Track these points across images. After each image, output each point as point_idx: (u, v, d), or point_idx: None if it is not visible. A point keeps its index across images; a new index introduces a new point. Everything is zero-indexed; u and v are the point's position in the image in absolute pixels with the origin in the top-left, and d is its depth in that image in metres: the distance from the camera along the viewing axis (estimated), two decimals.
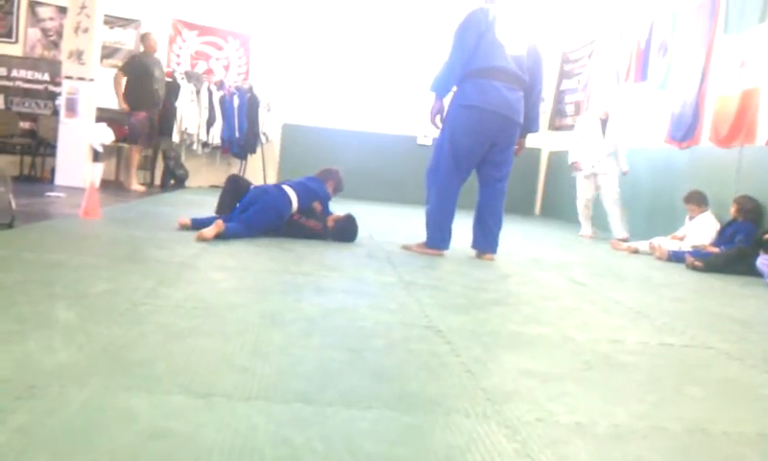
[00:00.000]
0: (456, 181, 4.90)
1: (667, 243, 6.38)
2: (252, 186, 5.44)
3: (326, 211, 5.44)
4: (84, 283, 2.92)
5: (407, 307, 3.05)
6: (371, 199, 10.13)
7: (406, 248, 5.06)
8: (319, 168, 5.77)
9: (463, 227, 5.20)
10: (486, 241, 5.00)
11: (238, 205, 5.21)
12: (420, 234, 5.12)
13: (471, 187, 5.10)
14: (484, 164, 4.96)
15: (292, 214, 5.15)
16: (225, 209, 5.40)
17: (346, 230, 5.29)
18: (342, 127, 11.38)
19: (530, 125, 5.02)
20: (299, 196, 5.20)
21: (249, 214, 4.97)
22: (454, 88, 4.85)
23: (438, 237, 4.91)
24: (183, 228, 5.04)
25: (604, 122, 7.66)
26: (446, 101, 4.92)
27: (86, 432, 1.44)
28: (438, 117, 4.87)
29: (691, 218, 6.61)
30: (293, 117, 11.35)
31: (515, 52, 4.78)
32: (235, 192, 5.47)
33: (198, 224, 4.97)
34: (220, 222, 4.69)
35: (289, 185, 5.27)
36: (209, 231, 4.57)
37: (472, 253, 5.05)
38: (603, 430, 1.73)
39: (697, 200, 6.57)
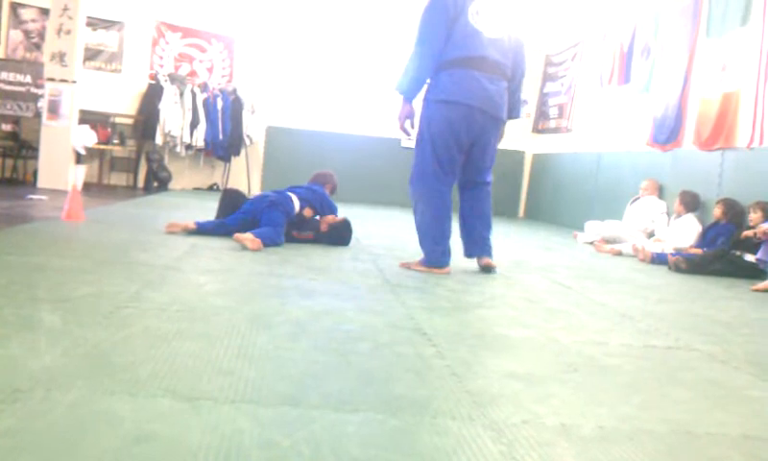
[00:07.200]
0: (446, 186, 4.31)
1: (650, 245, 6.43)
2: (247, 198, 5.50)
3: (324, 212, 5.41)
4: (68, 286, 2.90)
5: (393, 310, 3.05)
6: (355, 201, 10.11)
7: (406, 266, 4.38)
8: (305, 171, 5.77)
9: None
10: (477, 246, 4.46)
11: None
12: (407, 238, 5.09)
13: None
14: (465, 167, 4.42)
15: (293, 217, 5.15)
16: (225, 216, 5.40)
17: (340, 235, 5.30)
18: (326, 129, 11.39)
19: (511, 111, 4.44)
20: (300, 198, 5.25)
21: (266, 219, 4.94)
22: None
23: (437, 252, 4.27)
24: (184, 231, 4.99)
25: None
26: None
27: (71, 436, 1.43)
28: (408, 122, 4.26)
29: (678, 216, 6.67)
30: (277, 120, 11.34)
31: (493, 35, 4.19)
32: (234, 201, 5.50)
33: (204, 227, 5.01)
34: (258, 240, 4.65)
35: (289, 190, 5.32)
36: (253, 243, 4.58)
37: (474, 265, 4.53)
38: (588, 432, 1.74)
39: (686, 201, 6.63)
